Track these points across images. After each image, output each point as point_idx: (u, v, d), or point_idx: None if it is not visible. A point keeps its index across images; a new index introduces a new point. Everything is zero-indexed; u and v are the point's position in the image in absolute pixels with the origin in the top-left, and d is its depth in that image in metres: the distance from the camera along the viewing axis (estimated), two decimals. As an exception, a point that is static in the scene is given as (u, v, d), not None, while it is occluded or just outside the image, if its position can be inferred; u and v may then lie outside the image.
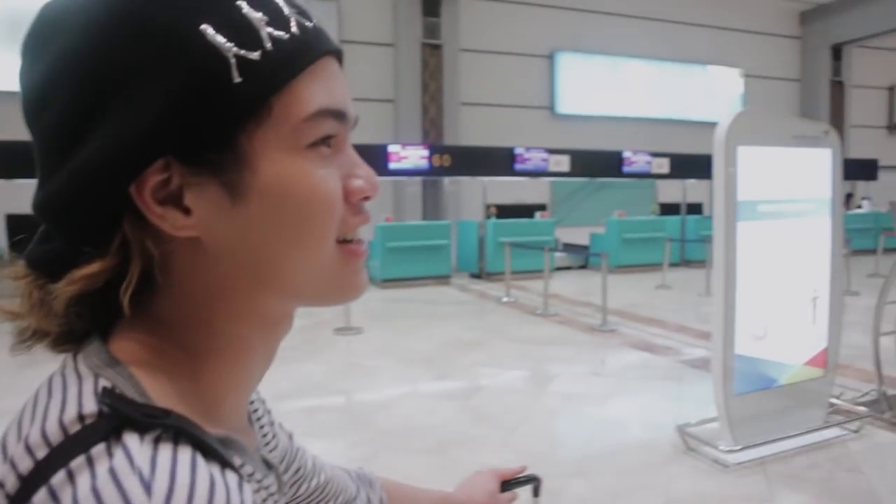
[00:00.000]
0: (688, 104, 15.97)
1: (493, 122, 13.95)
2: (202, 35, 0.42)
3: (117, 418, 0.38)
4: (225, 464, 0.40)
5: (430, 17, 13.04)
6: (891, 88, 18.42)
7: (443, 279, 11.38)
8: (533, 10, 14.35)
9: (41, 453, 0.37)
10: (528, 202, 13.78)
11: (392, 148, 11.24)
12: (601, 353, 6.25)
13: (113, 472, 0.35)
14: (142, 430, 0.38)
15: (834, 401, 4.39)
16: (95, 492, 0.35)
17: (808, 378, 3.97)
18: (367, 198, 0.50)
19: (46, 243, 0.47)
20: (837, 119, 17.61)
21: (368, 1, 13.21)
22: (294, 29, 0.45)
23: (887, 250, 11.61)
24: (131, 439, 0.37)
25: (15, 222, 11.84)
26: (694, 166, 12.85)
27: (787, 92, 17.47)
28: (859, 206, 15.78)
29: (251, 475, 0.50)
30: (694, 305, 8.85)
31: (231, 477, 0.40)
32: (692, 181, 12.91)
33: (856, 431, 4.05)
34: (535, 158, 12.01)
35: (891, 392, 4.54)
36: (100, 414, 0.39)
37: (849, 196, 15.41)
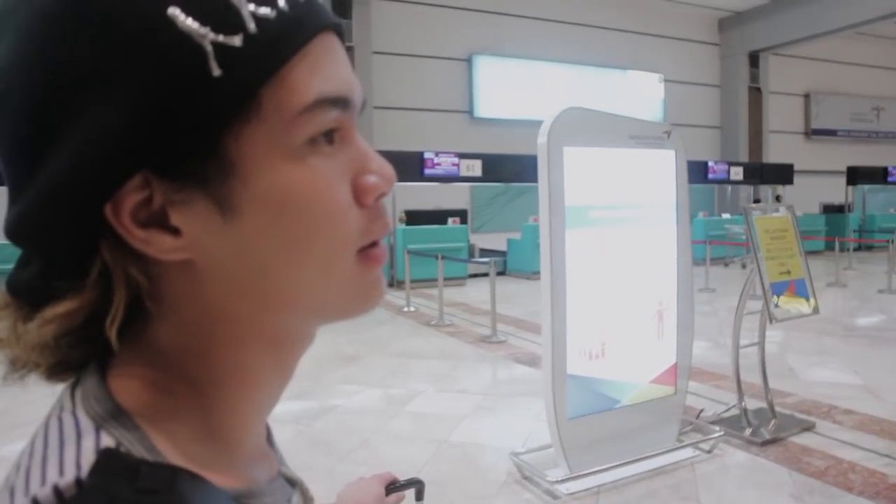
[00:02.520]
0: (608, 109, 15.93)
1: (408, 127, 13.59)
2: (170, 21, 0.34)
3: (108, 495, 0.34)
4: None
5: (341, 18, 12.59)
6: (806, 95, 18.84)
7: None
8: (449, 13, 14.07)
9: None
10: (446, 208, 13.48)
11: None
12: (479, 368, 5.93)
13: None
14: None
15: (691, 418, 4.16)
16: None
17: (655, 397, 3.70)
18: (382, 194, 0.43)
19: (28, 267, 0.41)
20: (756, 125, 17.92)
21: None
22: (282, 3, 0.37)
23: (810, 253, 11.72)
24: None
25: None
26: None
27: (707, 98, 17.66)
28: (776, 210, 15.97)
29: None
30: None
31: None
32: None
33: (708, 452, 3.81)
34: (445, 163, 11.68)
35: (755, 406, 4.34)
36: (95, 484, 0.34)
37: (777, 198, 15.61)
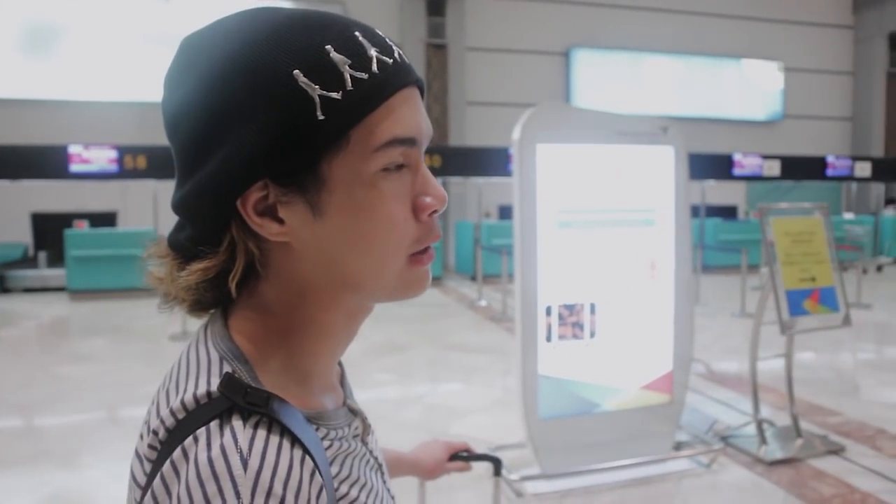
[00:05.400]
0: (719, 101, 15.03)
1: (503, 122, 13.56)
2: (294, 79, 0.50)
3: (229, 402, 0.50)
4: (306, 451, 0.50)
5: (435, 16, 12.83)
6: (961, 81, 16.69)
7: (433, 280, 11.14)
8: (546, 7, 13.85)
9: (181, 416, 0.51)
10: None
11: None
12: (517, 365, 5.91)
13: (223, 448, 0.47)
14: (245, 415, 0.49)
15: (697, 429, 3.95)
16: (210, 461, 0.46)
17: (646, 404, 3.56)
18: (435, 211, 0.57)
19: (182, 231, 0.58)
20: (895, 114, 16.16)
21: (374, 1, 13.15)
22: (374, 68, 0.52)
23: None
24: (237, 422, 0.49)
25: (39, 221, 12.47)
26: (719, 166, 12.07)
27: (835, 86, 16.12)
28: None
29: (334, 437, 0.59)
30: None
31: (307, 464, 0.49)
32: (711, 182, 12.06)
33: (707, 466, 3.61)
34: (532, 158, 11.57)
35: (783, 423, 4.04)
36: (220, 394, 0.51)
37: (889, 201, 14.11)
